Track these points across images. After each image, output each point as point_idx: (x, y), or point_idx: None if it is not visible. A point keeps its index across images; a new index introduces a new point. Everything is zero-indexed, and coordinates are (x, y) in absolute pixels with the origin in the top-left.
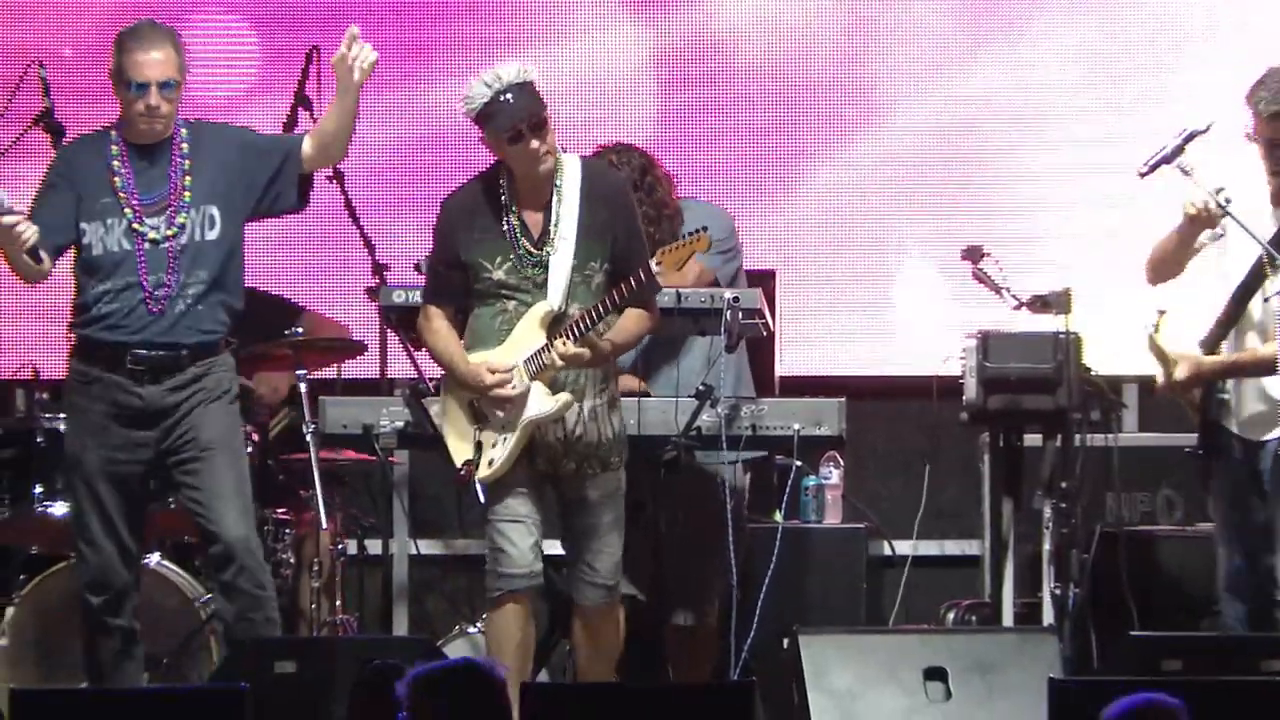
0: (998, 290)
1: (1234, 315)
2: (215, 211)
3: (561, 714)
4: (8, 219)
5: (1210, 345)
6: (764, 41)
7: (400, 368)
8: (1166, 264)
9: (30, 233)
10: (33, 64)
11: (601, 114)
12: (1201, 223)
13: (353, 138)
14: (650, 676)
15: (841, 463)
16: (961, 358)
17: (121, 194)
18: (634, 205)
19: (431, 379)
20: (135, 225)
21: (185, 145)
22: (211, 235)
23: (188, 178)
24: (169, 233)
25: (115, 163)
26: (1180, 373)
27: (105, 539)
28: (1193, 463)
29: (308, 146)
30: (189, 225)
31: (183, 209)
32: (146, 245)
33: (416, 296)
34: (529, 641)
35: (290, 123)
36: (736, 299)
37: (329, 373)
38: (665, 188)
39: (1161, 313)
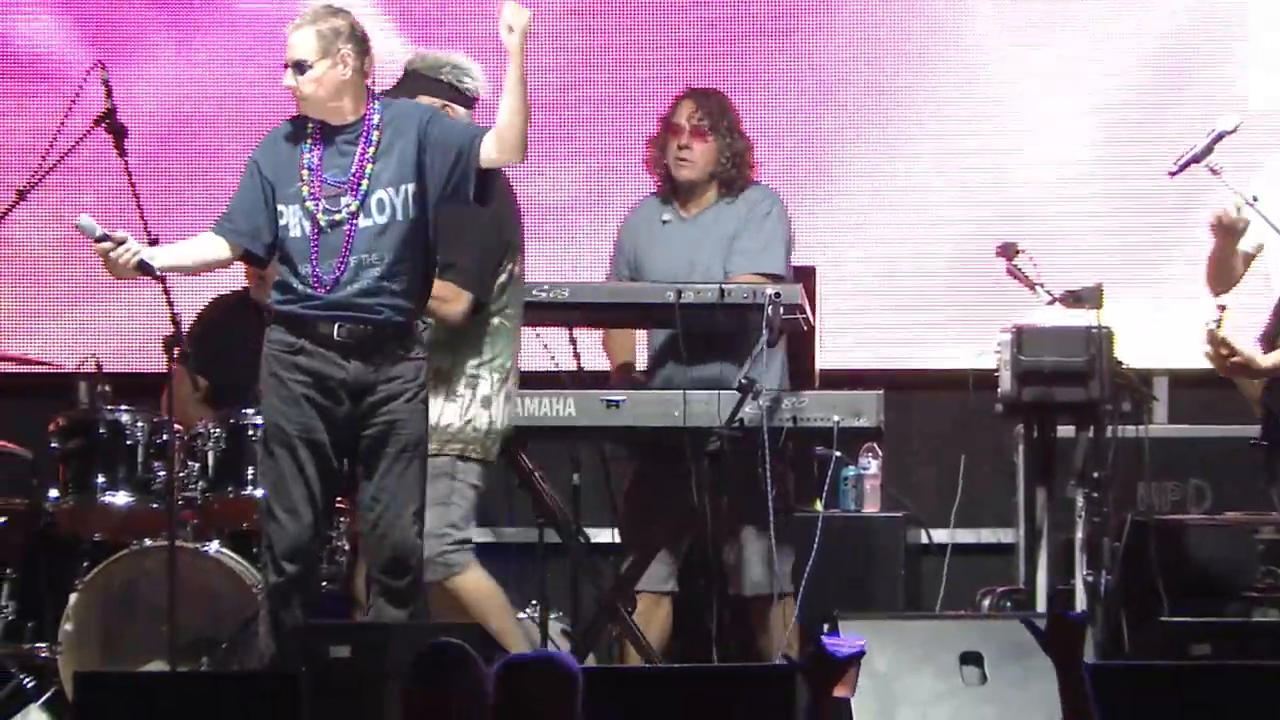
0: (1031, 285)
1: None
2: (395, 196)
3: (613, 697)
4: (102, 245)
5: (1269, 341)
6: (803, 36)
7: None
8: (1218, 276)
9: (128, 255)
10: (95, 65)
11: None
12: (1230, 232)
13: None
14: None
15: (880, 453)
16: (996, 351)
17: (305, 177)
18: None
19: None
20: (312, 207)
21: (376, 128)
22: (383, 219)
23: (370, 165)
24: (344, 215)
25: (307, 144)
26: (1269, 361)
27: (307, 506)
28: (1255, 454)
29: (489, 141)
30: (370, 208)
31: (364, 192)
32: (323, 228)
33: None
34: None
35: None
36: (778, 295)
37: None
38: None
39: (1222, 308)
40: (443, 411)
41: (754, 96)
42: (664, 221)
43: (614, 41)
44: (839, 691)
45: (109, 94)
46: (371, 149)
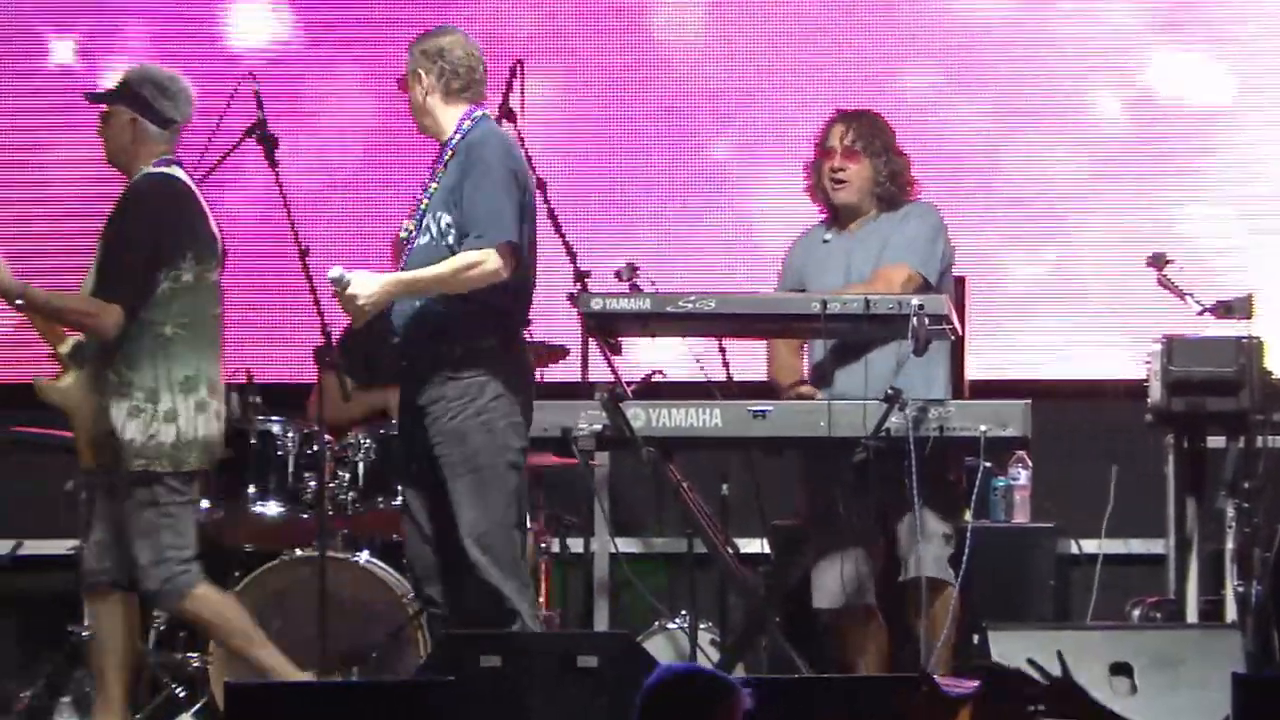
0: (1181, 296)
1: None
2: (437, 220)
3: (760, 707)
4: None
5: None
6: (950, 41)
7: (600, 372)
8: None
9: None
10: (245, 77)
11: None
12: None
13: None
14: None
15: (1029, 464)
16: (1147, 362)
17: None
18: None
19: (630, 383)
20: (407, 222)
21: (450, 149)
22: (425, 239)
23: (434, 184)
24: (408, 234)
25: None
26: None
27: (429, 526)
28: None
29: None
30: (424, 227)
31: (422, 211)
32: (407, 243)
33: (616, 303)
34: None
35: None
36: (923, 305)
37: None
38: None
39: None
40: (124, 426)
41: (903, 107)
42: (825, 241)
43: (772, 63)
44: None
45: (260, 105)
46: (441, 168)
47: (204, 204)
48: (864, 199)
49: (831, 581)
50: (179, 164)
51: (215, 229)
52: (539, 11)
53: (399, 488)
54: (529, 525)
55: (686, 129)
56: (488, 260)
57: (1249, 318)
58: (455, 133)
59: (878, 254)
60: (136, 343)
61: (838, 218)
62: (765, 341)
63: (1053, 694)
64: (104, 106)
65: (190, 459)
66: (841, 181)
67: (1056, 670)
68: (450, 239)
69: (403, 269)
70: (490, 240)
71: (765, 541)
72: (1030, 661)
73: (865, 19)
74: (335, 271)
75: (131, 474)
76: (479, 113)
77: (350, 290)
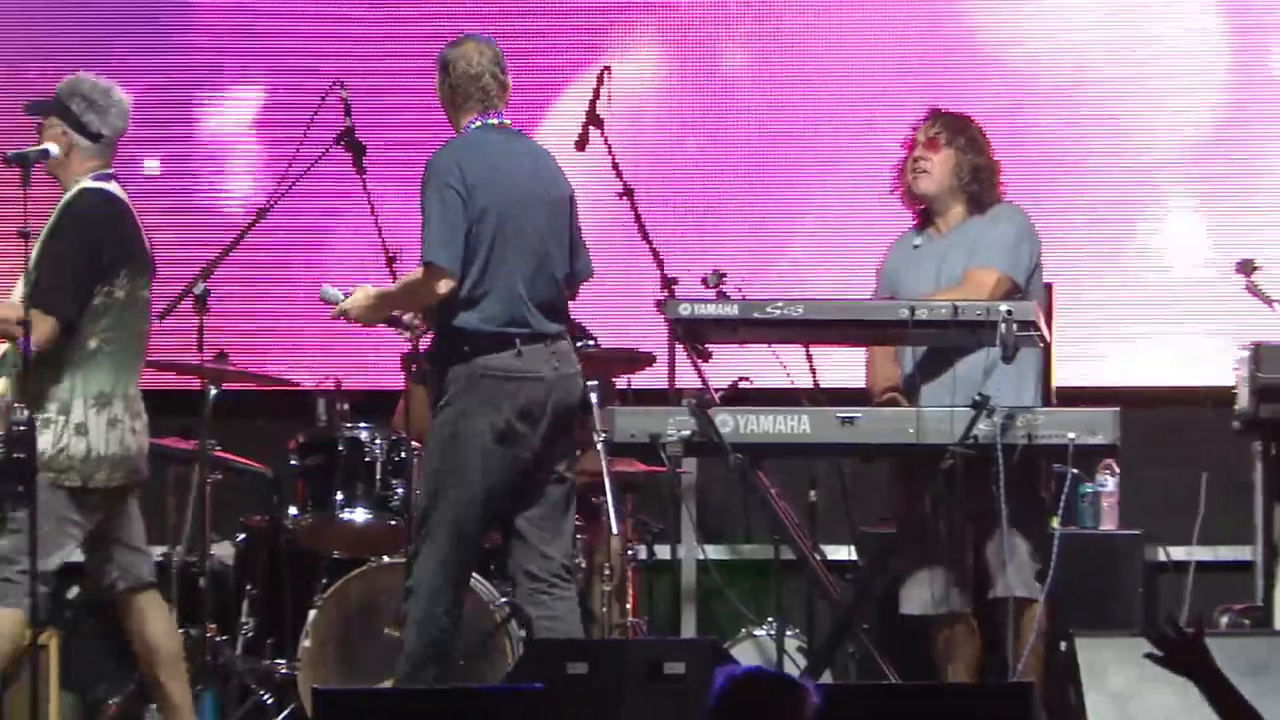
0: (1269, 302)
1: None
2: None
3: (844, 713)
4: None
5: None
6: (1034, 47)
7: (688, 379)
8: None
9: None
10: (334, 84)
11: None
12: None
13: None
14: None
15: (1117, 471)
16: (1235, 368)
17: None
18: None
19: (718, 390)
20: None
21: None
22: None
23: None
24: None
25: None
26: None
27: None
28: None
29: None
30: None
31: None
32: None
33: (704, 309)
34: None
35: (582, 140)
36: (1011, 312)
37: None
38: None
39: None
40: (39, 437)
41: (988, 113)
42: (915, 246)
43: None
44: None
45: (348, 112)
46: None
47: (138, 220)
48: (945, 191)
49: (921, 589)
50: (114, 178)
51: (148, 244)
52: (627, 18)
53: None
54: (614, 530)
55: (775, 136)
56: (421, 279)
57: None
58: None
59: (968, 257)
60: (60, 354)
61: (927, 220)
62: (864, 349)
63: (1180, 646)
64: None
65: (98, 475)
66: (922, 170)
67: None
68: None
69: None
70: (422, 259)
71: (853, 548)
72: (1169, 619)
73: (950, 28)
74: (325, 291)
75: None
76: (477, 123)
77: (339, 310)
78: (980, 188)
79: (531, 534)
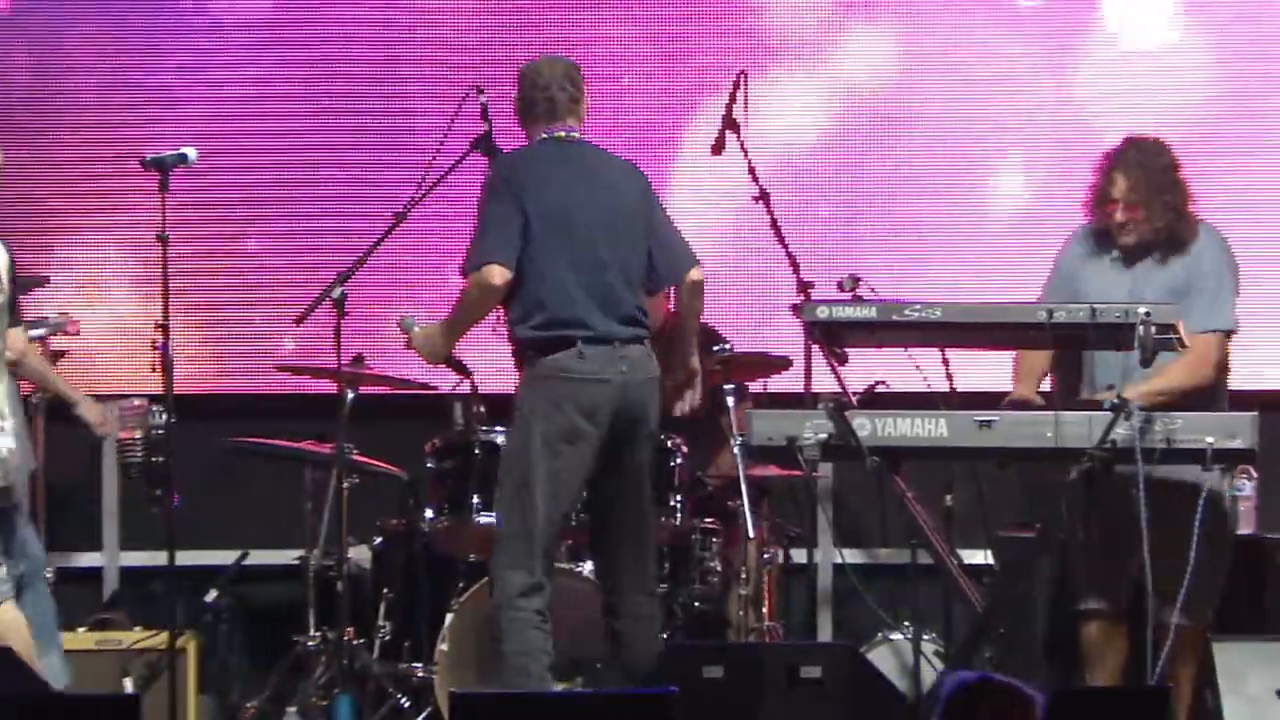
0: None
1: None
2: None
3: (974, 711)
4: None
5: None
6: (1185, 49)
7: (825, 382)
8: None
9: None
10: (473, 90)
11: (1024, 127)
12: None
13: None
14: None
15: (1255, 475)
16: None
17: None
18: None
19: (854, 393)
20: None
21: None
22: None
23: None
24: None
25: None
26: None
27: None
28: None
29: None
30: None
31: None
32: None
33: (841, 312)
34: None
35: (718, 145)
36: (1149, 314)
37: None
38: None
39: None
40: None
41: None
42: (1108, 256)
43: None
44: None
45: (486, 117)
46: None
47: None
48: (1148, 237)
49: (1076, 588)
50: None
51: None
52: (761, 24)
53: None
54: (750, 535)
55: (910, 139)
56: (473, 281)
57: None
58: None
59: (1168, 292)
60: None
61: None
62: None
63: None
64: None
65: None
66: (1125, 231)
67: None
68: None
69: None
70: (469, 266)
71: (989, 552)
72: None
73: (1102, 39)
74: (401, 320)
75: None
76: (542, 135)
77: (410, 338)
78: (1178, 224)
79: (606, 545)
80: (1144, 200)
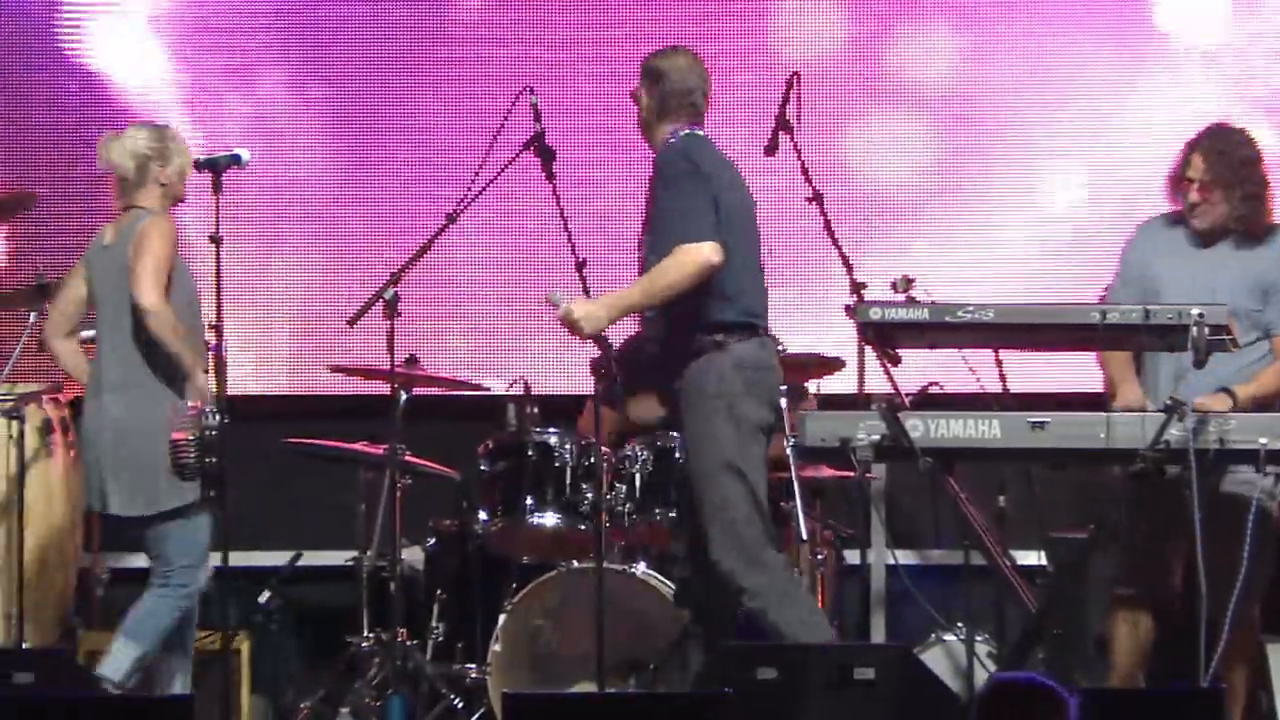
0: None
1: None
2: (645, 235)
3: (1004, 711)
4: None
5: None
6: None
7: (877, 383)
8: None
9: None
10: (525, 90)
11: (1078, 127)
12: None
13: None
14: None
15: None
16: None
17: None
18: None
19: (907, 394)
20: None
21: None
22: (642, 253)
23: (647, 199)
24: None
25: None
26: None
27: None
28: None
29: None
30: (648, 255)
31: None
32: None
33: (894, 313)
34: None
35: (772, 146)
36: (1202, 315)
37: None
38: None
39: None
40: None
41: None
42: (1181, 244)
43: (1054, 75)
44: None
45: (538, 117)
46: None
47: None
48: (1221, 224)
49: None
50: None
51: None
52: (815, 25)
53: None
54: (803, 535)
55: (961, 141)
56: (690, 253)
57: None
58: (661, 147)
59: (1250, 288)
60: None
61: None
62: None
63: None
64: None
65: None
66: (1198, 214)
67: None
68: (645, 253)
69: None
70: (680, 240)
71: (1042, 553)
72: None
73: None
74: (551, 294)
75: None
76: (685, 131)
77: (565, 311)
78: (1254, 215)
79: None
80: (1220, 183)
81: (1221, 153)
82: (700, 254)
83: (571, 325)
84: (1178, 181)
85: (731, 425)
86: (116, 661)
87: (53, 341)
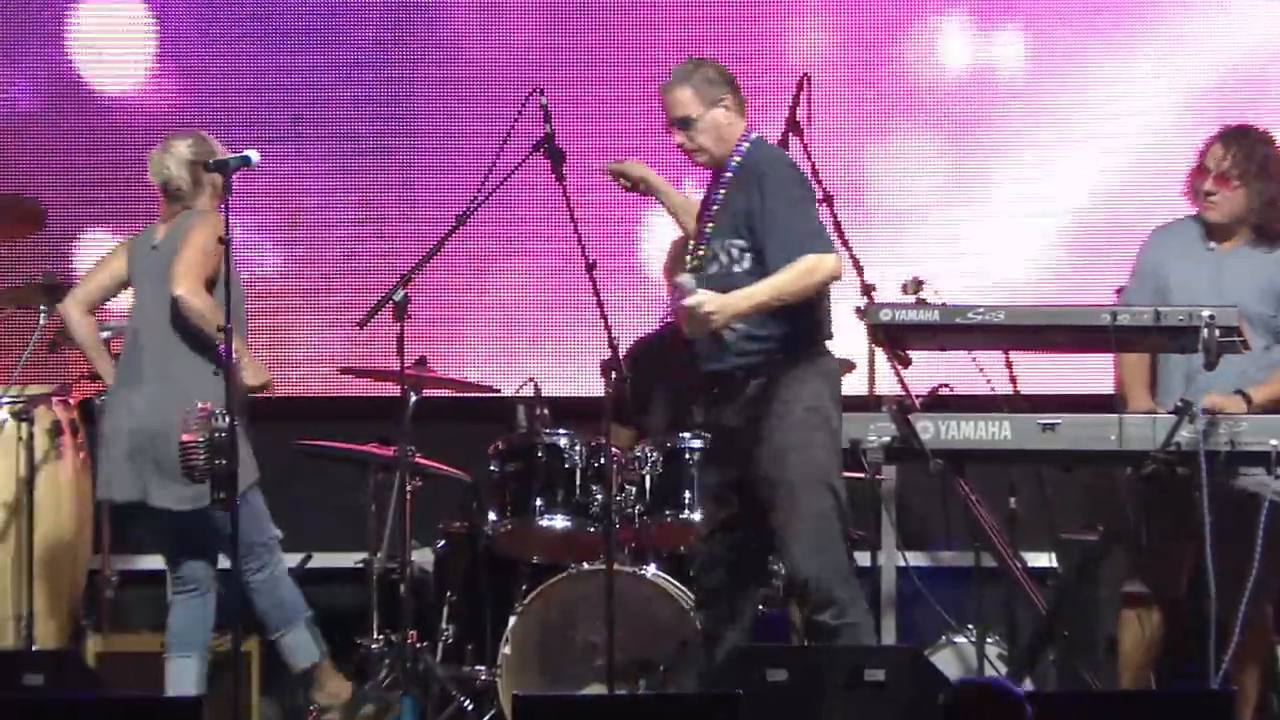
0: None
1: None
2: (738, 245)
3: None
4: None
5: None
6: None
7: (888, 385)
8: None
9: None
10: (534, 92)
11: (1094, 128)
12: None
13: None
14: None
15: None
16: None
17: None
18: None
19: (918, 396)
20: (688, 252)
21: (730, 173)
22: (740, 268)
23: (715, 207)
24: (700, 261)
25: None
26: None
27: None
28: None
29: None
30: (717, 255)
31: (708, 236)
32: (695, 270)
33: (904, 314)
34: None
35: (781, 147)
36: (1213, 317)
37: None
38: None
39: None
40: None
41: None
42: (1195, 245)
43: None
44: None
45: (548, 119)
46: (723, 193)
47: None
48: (1234, 221)
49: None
50: None
51: None
52: (823, 26)
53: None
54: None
55: (971, 142)
56: (812, 270)
57: None
58: (735, 155)
59: (1262, 294)
60: None
61: (1211, 231)
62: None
63: None
64: None
65: None
66: (1212, 204)
67: None
68: (745, 264)
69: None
70: (805, 249)
71: (1053, 555)
72: None
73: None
74: (685, 279)
75: None
76: (754, 135)
77: (697, 300)
78: (1270, 218)
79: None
80: (1236, 176)
81: (1242, 145)
82: (832, 267)
83: (699, 316)
84: (1196, 173)
85: (828, 437)
86: (304, 647)
87: (70, 309)
